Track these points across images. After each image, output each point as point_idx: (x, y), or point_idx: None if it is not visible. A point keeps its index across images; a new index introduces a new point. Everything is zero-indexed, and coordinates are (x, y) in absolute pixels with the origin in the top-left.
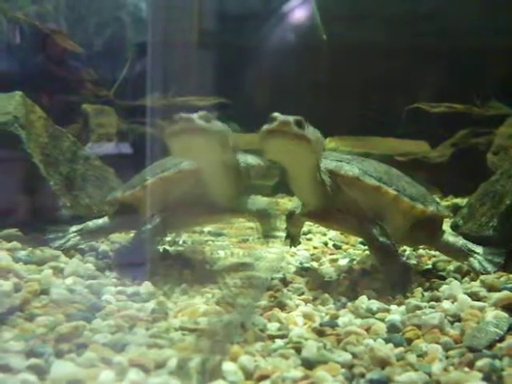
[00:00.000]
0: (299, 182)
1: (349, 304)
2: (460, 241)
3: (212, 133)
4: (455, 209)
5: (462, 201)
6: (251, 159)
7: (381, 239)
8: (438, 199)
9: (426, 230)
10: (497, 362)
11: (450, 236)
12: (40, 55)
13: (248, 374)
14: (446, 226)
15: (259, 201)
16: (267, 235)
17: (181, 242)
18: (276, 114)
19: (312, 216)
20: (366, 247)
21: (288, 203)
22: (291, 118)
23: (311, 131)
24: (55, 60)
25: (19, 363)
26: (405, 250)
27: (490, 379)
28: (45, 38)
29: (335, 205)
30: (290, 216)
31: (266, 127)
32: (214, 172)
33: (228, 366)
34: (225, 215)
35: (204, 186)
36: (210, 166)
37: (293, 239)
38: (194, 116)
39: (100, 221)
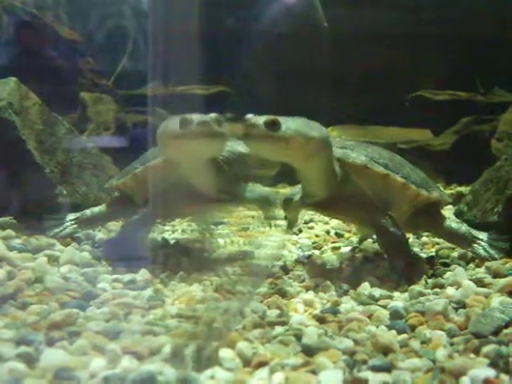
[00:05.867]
0: (310, 177)
1: (351, 291)
2: (463, 227)
3: (224, 137)
4: (459, 197)
5: (465, 189)
6: (242, 147)
7: (391, 229)
8: (441, 187)
9: (426, 215)
10: (503, 348)
11: (452, 222)
12: (16, 46)
13: (246, 361)
14: (450, 213)
15: (258, 188)
16: (269, 218)
17: (180, 231)
18: (248, 116)
19: (318, 206)
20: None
21: None
22: (261, 120)
23: (298, 127)
24: (30, 50)
25: (8, 351)
26: (408, 238)
27: (496, 365)
28: (19, 27)
29: (342, 193)
30: (287, 203)
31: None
32: (193, 167)
33: (225, 353)
34: (218, 205)
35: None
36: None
37: (290, 222)
38: (209, 119)
39: (97, 209)
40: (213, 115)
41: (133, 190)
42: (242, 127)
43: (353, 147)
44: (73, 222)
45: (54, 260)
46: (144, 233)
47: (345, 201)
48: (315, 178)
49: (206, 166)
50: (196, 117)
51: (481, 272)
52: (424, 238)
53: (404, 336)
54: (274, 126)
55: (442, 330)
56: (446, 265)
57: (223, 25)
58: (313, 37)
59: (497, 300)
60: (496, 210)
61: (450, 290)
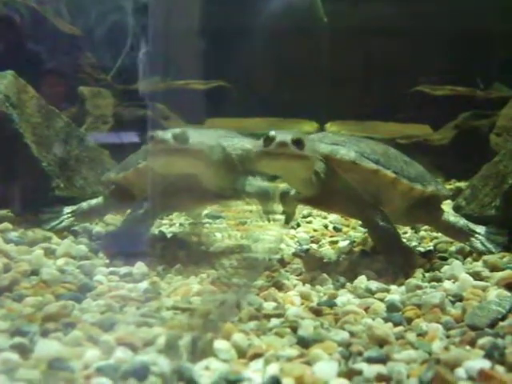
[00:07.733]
0: (293, 183)
1: (348, 284)
2: (461, 221)
3: (188, 152)
4: (458, 192)
5: (464, 184)
6: (248, 143)
7: (380, 224)
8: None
9: (423, 209)
10: (499, 340)
11: (450, 216)
12: None
13: (241, 352)
14: (448, 207)
15: (258, 183)
16: (268, 213)
17: (177, 225)
18: (273, 133)
19: (308, 201)
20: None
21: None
22: (289, 139)
23: (309, 145)
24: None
25: (3, 342)
26: (406, 232)
27: (491, 357)
28: None
29: (331, 189)
30: (284, 196)
31: (262, 148)
32: (201, 173)
33: (220, 344)
34: (221, 200)
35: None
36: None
37: (288, 216)
38: (168, 137)
39: (94, 201)
40: (175, 131)
41: (133, 184)
42: (257, 144)
43: (344, 143)
44: (69, 215)
45: (50, 253)
46: (146, 227)
47: (334, 196)
48: (294, 180)
49: (214, 170)
50: (159, 135)
51: (478, 266)
52: (422, 233)
53: (400, 328)
54: (300, 144)
55: (438, 322)
56: (444, 259)
57: (223, 20)
58: (312, 32)
59: (493, 293)
60: (494, 204)
61: (447, 284)
